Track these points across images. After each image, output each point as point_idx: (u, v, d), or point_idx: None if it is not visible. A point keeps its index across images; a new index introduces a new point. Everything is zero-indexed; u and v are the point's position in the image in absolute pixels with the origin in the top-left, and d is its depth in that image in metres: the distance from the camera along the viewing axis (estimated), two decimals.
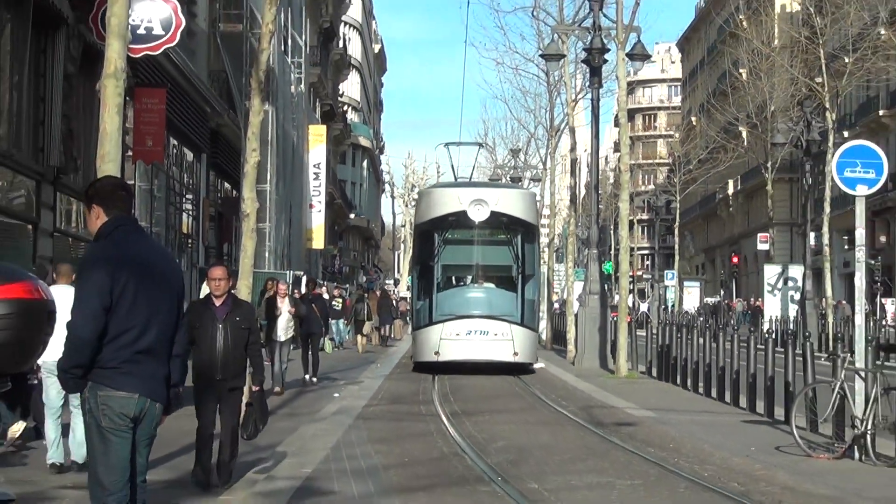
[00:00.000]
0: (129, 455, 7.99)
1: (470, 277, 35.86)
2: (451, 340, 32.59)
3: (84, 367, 7.82)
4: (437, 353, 32.54)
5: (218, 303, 13.75)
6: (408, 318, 55.19)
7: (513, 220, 34.89)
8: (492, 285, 35.43)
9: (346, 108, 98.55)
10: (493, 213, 33.66)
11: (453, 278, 36.12)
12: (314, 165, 68.01)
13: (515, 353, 32.82)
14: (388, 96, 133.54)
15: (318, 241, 69.24)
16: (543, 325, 50.59)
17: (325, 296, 41.98)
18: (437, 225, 35.13)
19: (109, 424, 7.89)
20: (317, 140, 68.85)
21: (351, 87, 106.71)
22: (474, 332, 32.75)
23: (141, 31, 25.88)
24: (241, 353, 13.77)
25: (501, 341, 32.68)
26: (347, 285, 71.62)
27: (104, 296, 7.75)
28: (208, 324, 13.52)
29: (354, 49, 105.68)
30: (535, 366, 35.24)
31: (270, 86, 38.14)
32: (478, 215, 33.50)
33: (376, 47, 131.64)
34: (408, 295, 55.94)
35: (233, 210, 45.62)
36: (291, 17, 58.49)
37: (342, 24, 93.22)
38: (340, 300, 50.03)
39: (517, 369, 33.46)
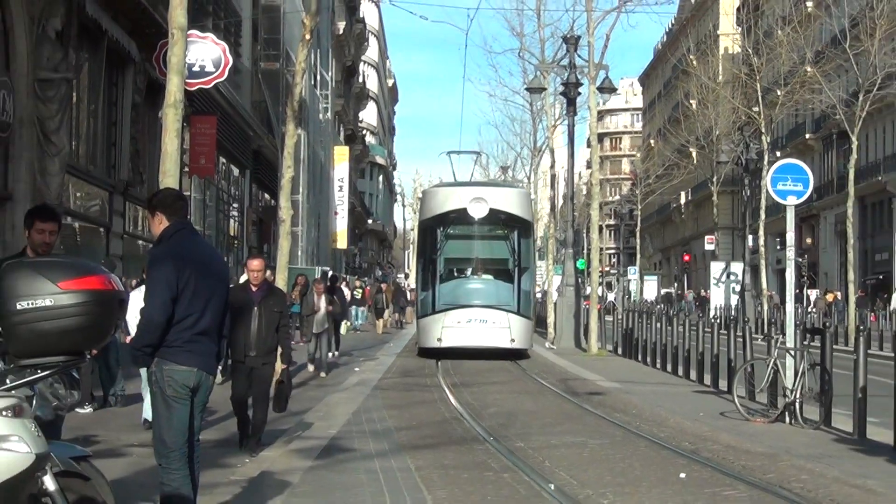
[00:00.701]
0: (188, 418, 8.06)
1: (470, 270, 33.51)
2: (453, 328, 30.54)
3: (154, 346, 7.92)
4: (439, 339, 30.43)
5: (255, 289, 13.55)
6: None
7: (510, 217, 32.64)
8: (490, 277, 33.22)
9: (364, 132, 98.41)
10: (491, 210, 31.67)
11: (455, 270, 33.63)
12: (338, 180, 68.10)
13: (512, 340, 30.77)
14: (400, 122, 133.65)
15: (342, 242, 69.36)
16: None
17: (346, 288, 42.52)
18: (439, 221, 32.98)
19: (173, 393, 7.95)
20: (340, 159, 68.93)
21: (369, 115, 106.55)
22: (474, 321, 30.66)
23: (196, 68, 25.91)
24: (273, 334, 13.51)
25: (499, 329, 30.60)
26: (366, 278, 71.55)
27: (172, 288, 7.87)
28: (245, 307, 13.19)
29: (372, 83, 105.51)
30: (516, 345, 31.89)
31: (302, 114, 38.13)
32: (477, 212, 31.60)
33: (390, 81, 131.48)
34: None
35: (271, 216, 45.69)
36: (320, 57, 58.48)
37: (362, 62, 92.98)
38: (360, 290, 51.27)
39: (513, 354, 31.44)
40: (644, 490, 11.50)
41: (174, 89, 14.74)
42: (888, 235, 61.84)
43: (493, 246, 33.89)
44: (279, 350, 13.88)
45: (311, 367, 25.25)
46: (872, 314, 50.09)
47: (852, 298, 41.82)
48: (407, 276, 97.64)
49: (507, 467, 12.88)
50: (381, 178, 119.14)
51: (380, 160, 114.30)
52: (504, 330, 30.59)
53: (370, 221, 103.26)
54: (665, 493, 11.37)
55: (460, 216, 32.13)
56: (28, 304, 5.92)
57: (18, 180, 21.33)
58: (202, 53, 27.22)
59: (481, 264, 33.37)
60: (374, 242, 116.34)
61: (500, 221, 32.68)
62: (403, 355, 33.07)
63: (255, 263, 13.88)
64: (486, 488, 11.46)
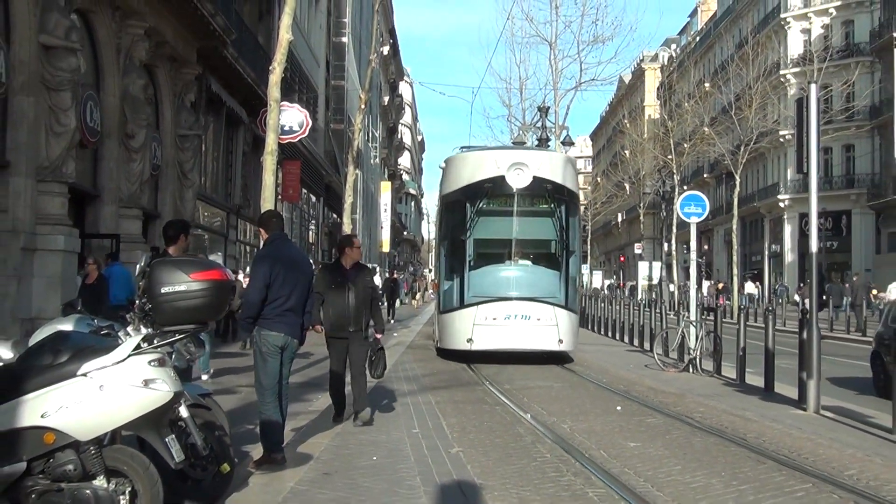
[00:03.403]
0: (278, 368, 8.08)
1: (507, 254, 19.46)
2: (487, 326, 18.13)
3: (254, 318, 7.99)
4: (470, 340, 18.04)
5: (348, 268, 10.63)
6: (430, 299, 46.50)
7: (557, 188, 19.04)
8: (529, 263, 19.60)
9: (402, 172, 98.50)
10: (535, 178, 18.62)
11: (488, 255, 19.49)
12: (383, 204, 68.27)
13: (560, 341, 18.08)
14: (426, 165, 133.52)
15: (386, 247, 69.54)
16: None
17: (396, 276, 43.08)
18: (469, 193, 19.09)
19: (267, 350, 7.99)
20: (385, 190, 69.17)
21: (405, 160, 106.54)
22: (514, 317, 18.15)
23: (286, 128, 25.96)
24: (367, 307, 10.59)
25: (545, 327, 18.10)
26: (404, 272, 71.70)
27: (266, 277, 7.95)
28: (340, 284, 10.41)
29: (407, 138, 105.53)
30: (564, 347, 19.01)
31: (359, 159, 38.24)
32: (518, 181, 18.65)
33: (419, 137, 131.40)
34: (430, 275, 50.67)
35: (337, 229, 45.80)
36: (371, 120, 58.54)
37: (400, 124, 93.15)
38: (403, 280, 52.68)
39: (556, 359, 18.75)
40: (592, 417, 11.48)
41: (271, 142, 14.76)
42: (760, 244, 62.02)
43: (535, 224, 19.75)
44: (373, 323, 10.88)
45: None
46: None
47: (736, 287, 41.73)
48: (431, 272, 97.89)
49: (498, 402, 12.85)
50: (412, 203, 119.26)
51: (412, 191, 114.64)
52: (550, 328, 18.19)
53: (405, 233, 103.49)
54: (607, 419, 11.36)
55: (496, 187, 18.94)
56: (169, 289, 5.94)
57: (164, 204, 21.40)
58: (290, 118, 27.30)
59: (521, 247, 19.59)
60: (408, 247, 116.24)
61: (544, 193, 19.19)
62: (427, 324, 32.26)
63: (357, 242, 11.08)
64: (483, 416, 11.45)
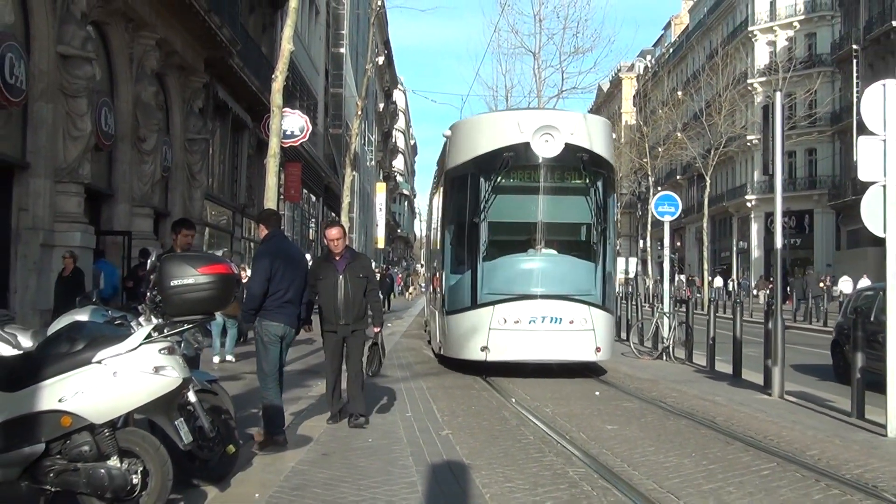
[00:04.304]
0: (278, 356, 8.08)
1: (531, 241, 14.05)
2: (507, 331, 13.39)
3: (256, 309, 7.98)
4: (485, 348, 13.43)
5: (338, 257, 9.16)
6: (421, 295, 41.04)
7: (593, 159, 13.99)
8: (559, 252, 14.26)
9: (395, 174, 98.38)
10: (567, 146, 13.65)
11: (507, 242, 14.22)
12: (378, 204, 68.24)
13: (598, 349, 13.63)
14: (419, 167, 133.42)
15: (381, 244, 69.43)
16: None
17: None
18: (483, 165, 13.94)
19: (268, 339, 7.99)
20: (380, 190, 69.13)
21: (398, 163, 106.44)
22: (541, 320, 13.37)
23: (287, 132, 25.88)
24: (361, 299, 9.12)
25: (580, 332, 13.45)
26: (397, 267, 71.64)
27: (267, 272, 7.93)
28: (330, 275, 9.04)
29: (400, 142, 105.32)
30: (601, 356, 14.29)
31: (356, 162, 38.17)
32: (546, 149, 13.60)
33: (412, 141, 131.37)
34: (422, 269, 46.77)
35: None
36: (367, 126, 58.45)
37: (394, 129, 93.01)
38: (396, 274, 53.83)
39: (584, 370, 14.57)
40: (572, 402, 11.48)
41: (274, 146, 14.70)
42: (729, 240, 62.11)
43: (566, 204, 14.41)
44: (370, 315, 9.32)
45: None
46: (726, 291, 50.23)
47: (707, 281, 41.82)
48: (422, 266, 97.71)
49: (484, 387, 12.84)
50: (406, 203, 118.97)
51: (405, 192, 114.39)
52: (586, 334, 13.57)
53: (399, 231, 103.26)
54: (586, 404, 11.35)
55: (518, 156, 13.78)
56: (178, 282, 5.92)
57: (174, 203, 21.36)
58: (292, 123, 27.21)
59: (548, 232, 14.19)
60: (402, 244, 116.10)
61: (578, 165, 13.97)
62: (419, 316, 32.29)
63: (333, 232, 9.23)
64: (471, 401, 11.44)
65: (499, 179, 13.92)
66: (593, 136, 14.20)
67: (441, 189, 15.98)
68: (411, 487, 6.67)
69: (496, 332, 13.41)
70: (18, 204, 14.05)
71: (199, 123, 22.30)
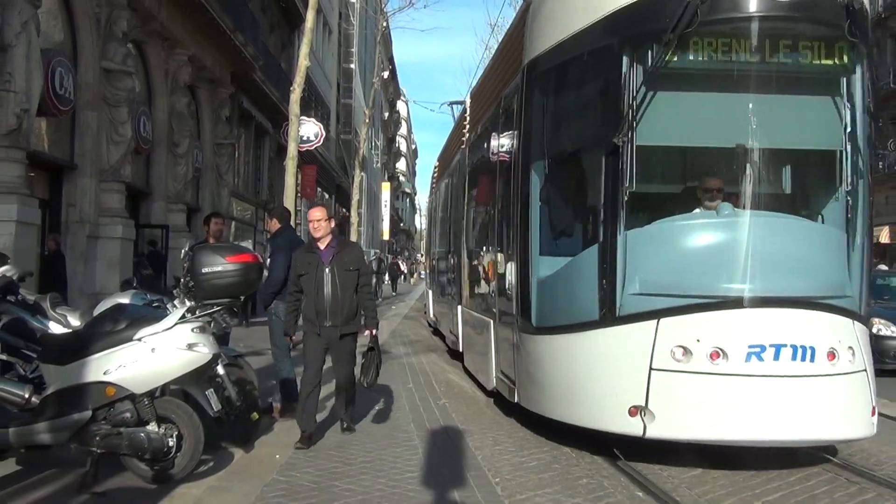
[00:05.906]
0: None
1: (736, 190, 3.70)
2: (693, 376, 3.91)
3: (276, 293, 7.89)
4: (642, 410, 4.13)
5: (322, 246, 6.75)
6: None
7: (857, 14, 3.85)
8: (788, 213, 4.26)
9: (399, 174, 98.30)
10: None
11: (683, 191, 4.44)
12: (384, 201, 68.07)
13: (874, 410, 4.08)
14: (419, 168, 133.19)
15: (386, 235, 69.32)
16: None
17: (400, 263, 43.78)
18: (633, 27, 4.00)
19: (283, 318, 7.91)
20: (385, 189, 68.90)
21: (401, 165, 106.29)
22: (773, 352, 3.59)
23: (304, 138, 25.75)
24: (352, 296, 6.65)
25: (847, 378, 3.76)
26: (400, 257, 71.69)
27: (287, 260, 7.72)
28: (314, 269, 6.64)
29: (403, 147, 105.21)
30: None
31: (364, 164, 37.99)
32: None
33: (413, 146, 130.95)
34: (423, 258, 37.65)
35: (346, 222, 45.67)
36: (374, 132, 58.33)
37: (398, 135, 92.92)
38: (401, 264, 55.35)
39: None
40: None
41: (292, 150, 14.65)
42: None
43: (808, 112, 4.45)
44: (361, 316, 6.87)
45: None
46: None
47: None
48: (422, 256, 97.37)
49: None
50: (407, 200, 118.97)
51: (407, 190, 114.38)
52: (856, 378, 4.50)
53: (401, 224, 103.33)
54: None
55: (715, 2, 3.98)
56: (209, 269, 5.92)
57: (204, 200, 21.33)
58: (308, 130, 27.15)
59: (772, 171, 4.24)
60: (404, 236, 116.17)
61: (842, 25, 4.13)
62: (419, 300, 32.10)
63: (315, 213, 6.85)
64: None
65: (669, 56, 5.47)
66: None
67: (520, 99, 6.93)
68: (413, 449, 6.69)
69: (666, 378, 5.36)
70: (68, 200, 14.18)
71: (226, 130, 22.32)
